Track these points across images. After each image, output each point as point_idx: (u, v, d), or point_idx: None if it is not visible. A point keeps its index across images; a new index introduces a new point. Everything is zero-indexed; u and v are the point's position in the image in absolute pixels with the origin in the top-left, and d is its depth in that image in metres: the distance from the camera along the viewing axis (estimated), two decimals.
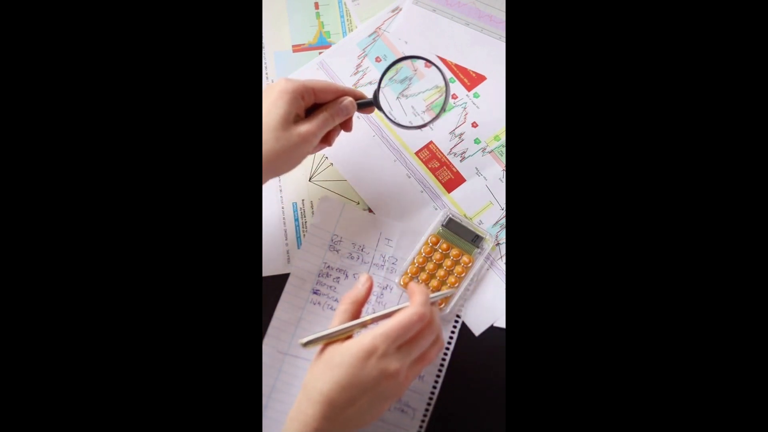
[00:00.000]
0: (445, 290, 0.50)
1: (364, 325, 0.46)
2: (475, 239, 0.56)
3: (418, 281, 0.55)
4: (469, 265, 0.55)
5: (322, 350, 0.46)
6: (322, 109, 0.51)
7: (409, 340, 0.44)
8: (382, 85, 0.54)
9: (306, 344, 0.45)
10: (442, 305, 0.54)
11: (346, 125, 0.54)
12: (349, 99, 0.52)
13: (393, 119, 0.55)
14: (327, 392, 0.42)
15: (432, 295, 0.47)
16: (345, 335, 0.46)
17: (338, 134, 0.54)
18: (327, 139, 0.54)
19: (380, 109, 0.54)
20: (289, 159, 0.49)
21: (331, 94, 0.52)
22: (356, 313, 0.48)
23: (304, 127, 0.49)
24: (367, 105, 0.54)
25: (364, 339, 0.43)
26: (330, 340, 0.45)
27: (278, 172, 0.49)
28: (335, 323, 0.47)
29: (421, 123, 0.55)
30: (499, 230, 0.57)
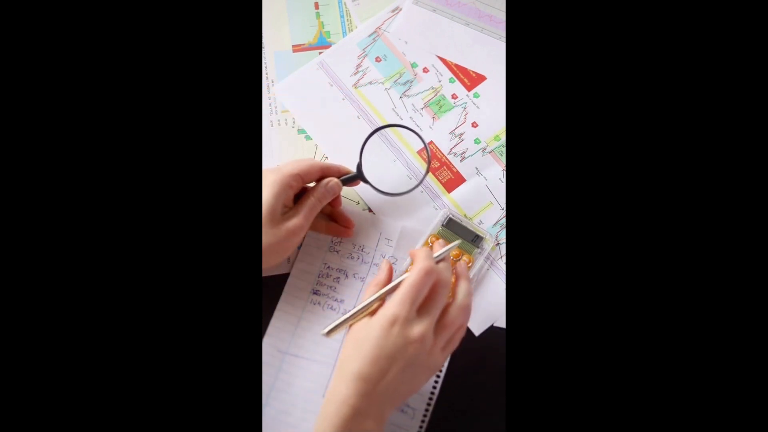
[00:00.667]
0: (447, 246, 0.49)
1: (381, 299, 0.46)
2: (475, 239, 0.56)
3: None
4: (469, 264, 0.55)
5: (349, 330, 0.46)
6: (308, 195, 0.52)
7: (425, 301, 0.44)
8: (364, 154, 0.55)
9: (328, 333, 0.45)
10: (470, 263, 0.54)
11: (335, 202, 0.55)
12: (335, 180, 0.53)
13: (379, 189, 0.55)
14: (358, 369, 0.42)
15: (435, 254, 0.47)
16: (368, 314, 0.46)
17: (341, 201, 0.56)
18: (334, 204, 0.55)
19: (366, 181, 0.55)
20: (279, 253, 0.50)
21: (316, 174, 0.52)
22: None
23: (292, 222, 0.49)
24: (353, 179, 0.54)
25: (384, 310, 0.44)
26: (352, 322, 0.46)
27: (267, 264, 0.49)
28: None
29: (408, 187, 0.55)
30: (499, 230, 0.57)
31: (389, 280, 0.49)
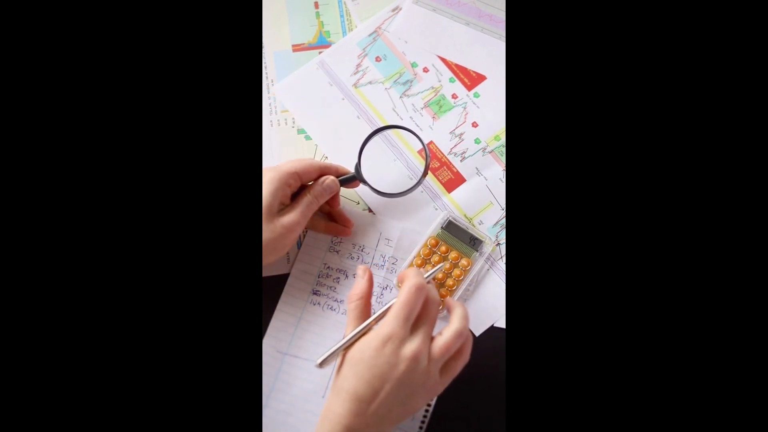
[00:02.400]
0: (434, 268, 0.51)
1: (370, 327, 0.46)
2: (475, 242, 0.55)
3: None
4: (468, 268, 0.55)
5: (345, 353, 0.46)
6: (305, 192, 0.52)
7: (417, 318, 0.44)
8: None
9: (322, 364, 0.45)
10: (441, 308, 0.54)
11: (334, 201, 0.55)
12: (331, 178, 0.53)
13: (377, 190, 0.55)
14: (353, 389, 0.42)
15: (425, 274, 0.48)
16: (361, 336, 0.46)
17: (339, 201, 0.55)
18: (333, 204, 0.55)
19: (364, 182, 0.54)
20: (275, 249, 0.49)
21: (314, 173, 0.52)
22: (367, 308, 0.48)
23: (288, 218, 0.49)
24: (351, 180, 0.54)
25: (378, 329, 0.44)
26: (345, 348, 0.45)
27: (265, 261, 0.49)
28: (349, 323, 0.47)
29: (407, 188, 0.55)
30: (499, 230, 0.57)
31: (371, 287, 0.49)
